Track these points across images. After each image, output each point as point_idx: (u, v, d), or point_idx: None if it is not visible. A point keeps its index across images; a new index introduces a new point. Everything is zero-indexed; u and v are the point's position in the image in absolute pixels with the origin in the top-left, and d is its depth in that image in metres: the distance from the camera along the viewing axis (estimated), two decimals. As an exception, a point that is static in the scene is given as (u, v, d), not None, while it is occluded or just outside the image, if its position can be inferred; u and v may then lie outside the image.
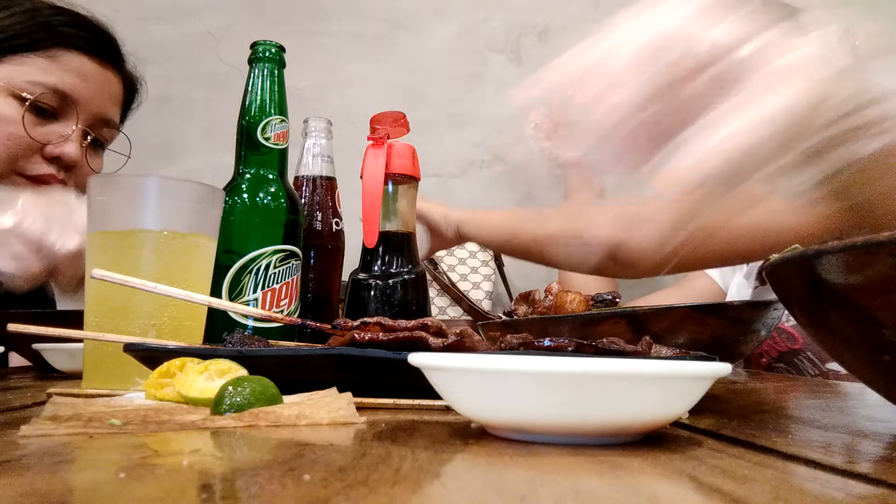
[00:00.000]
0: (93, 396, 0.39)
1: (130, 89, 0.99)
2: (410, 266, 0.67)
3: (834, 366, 0.93)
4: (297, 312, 0.68)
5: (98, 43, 0.90)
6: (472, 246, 1.74)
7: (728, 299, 1.15)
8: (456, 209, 1.05)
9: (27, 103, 0.83)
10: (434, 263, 1.71)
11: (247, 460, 0.25)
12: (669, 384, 0.28)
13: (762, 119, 0.34)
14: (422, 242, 0.95)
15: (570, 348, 0.39)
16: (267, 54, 0.68)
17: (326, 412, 0.33)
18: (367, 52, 2.02)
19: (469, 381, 0.29)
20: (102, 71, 0.91)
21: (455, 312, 1.70)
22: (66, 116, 0.87)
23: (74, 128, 0.87)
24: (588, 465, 0.25)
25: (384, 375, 0.40)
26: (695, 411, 0.39)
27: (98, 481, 0.21)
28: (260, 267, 0.64)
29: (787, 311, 0.41)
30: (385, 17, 2.03)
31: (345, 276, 0.76)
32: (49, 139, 0.85)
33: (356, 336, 0.41)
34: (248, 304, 0.63)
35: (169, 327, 0.50)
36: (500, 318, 0.84)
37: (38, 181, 0.86)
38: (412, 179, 0.68)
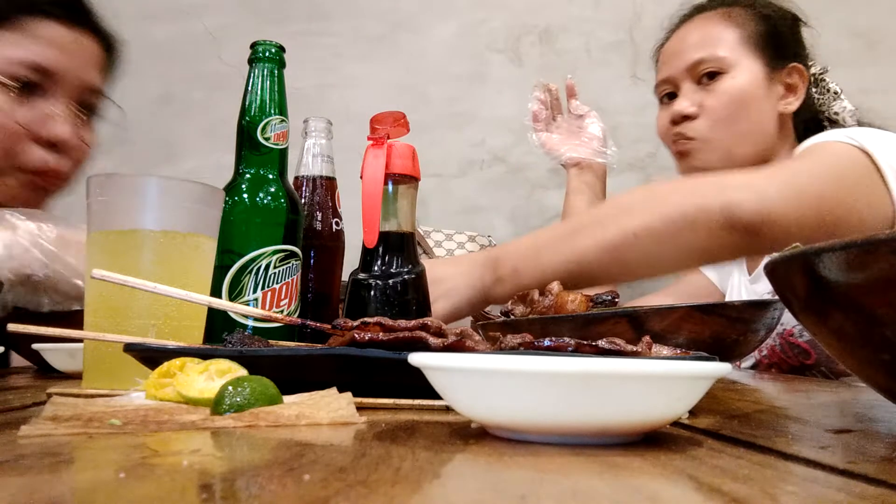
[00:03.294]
0: (93, 396, 0.39)
1: (109, 49, 0.89)
2: (410, 266, 0.66)
3: (848, 381, 0.93)
4: (297, 312, 0.67)
5: (65, 5, 0.82)
6: (470, 245, 1.74)
7: (727, 299, 1.15)
8: (476, 265, 0.83)
9: (7, 87, 0.75)
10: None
11: (247, 460, 0.25)
12: (669, 384, 0.28)
13: None
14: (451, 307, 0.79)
15: (570, 348, 0.39)
16: (267, 54, 0.68)
17: (326, 412, 0.33)
18: (367, 52, 2.02)
19: (469, 381, 0.29)
20: (76, 36, 0.82)
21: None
22: (48, 92, 0.79)
23: (60, 104, 0.79)
24: (588, 465, 0.25)
25: (384, 375, 0.40)
26: (695, 411, 0.39)
27: (98, 481, 0.21)
28: (260, 267, 0.63)
29: (801, 327, 0.42)
30: (385, 17, 2.03)
31: (345, 276, 0.76)
32: (37, 122, 0.78)
33: (356, 336, 0.41)
34: (248, 304, 0.63)
35: (169, 327, 0.50)
36: (500, 317, 0.84)
37: (38, 175, 0.80)
38: (412, 179, 0.68)
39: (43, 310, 0.72)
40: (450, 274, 0.82)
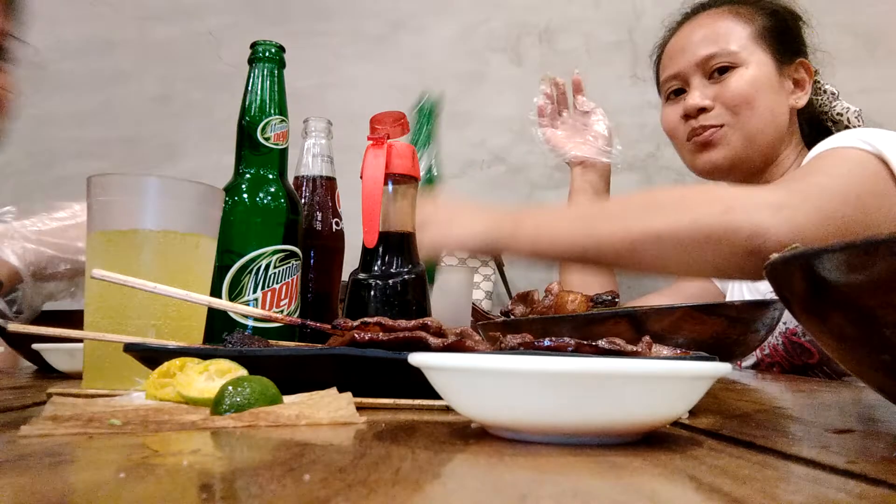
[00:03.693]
0: (93, 396, 0.39)
1: None
2: (410, 266, 0.67)
3: (850, 381, 0.93)
4: (297, 312, 0.67)
5: None
6: (472, 246, 1.73)
7: (728, 299, 1.15)
8: (481, 218, 0.84)
9: None
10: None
11: (247, 460, 0.25)
12: (669, 384, 0.28)
13: None
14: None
15: (570, 348, 0.39)
16: (267, 54, 0.68)
17: (326, 412, 0.33)
18: (367, 52, 2.02)
19: (469, 381, 0.29)
20: None
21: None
22: None
23: None
24: (588, 465, 0.25)
25: (384, 375, 0.40)
26: (695, 411, 0.39)
27: (98, 481, 0.21)
28: (260, 267, 0.63)
29: (803, 327, 0.42)
30: (385, 17, 2.03)
31: (345, 276, 0.76)
32: None
33: (356, 336, 0.41)
34: (248, 304, 0.63)
35: (169, 327, 0.50)
36: (500, 317, 0.84)
37: None
38: (412, 179, 0.68)
39: (78, 296, 0.72)
40: (471, 215, 0.84)
